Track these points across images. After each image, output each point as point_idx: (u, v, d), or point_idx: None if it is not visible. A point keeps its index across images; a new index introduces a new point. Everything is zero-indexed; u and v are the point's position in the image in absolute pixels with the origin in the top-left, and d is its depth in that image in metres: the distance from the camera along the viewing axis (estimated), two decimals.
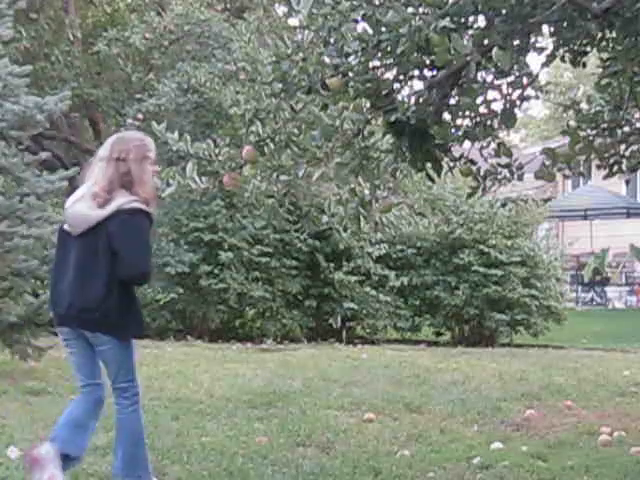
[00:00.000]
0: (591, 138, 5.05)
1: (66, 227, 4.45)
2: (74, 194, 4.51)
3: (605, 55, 4.88)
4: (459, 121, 4.25)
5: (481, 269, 12.57)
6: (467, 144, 4.42)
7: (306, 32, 4.17)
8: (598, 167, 5.38)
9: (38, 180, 7.99)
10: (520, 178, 4.62)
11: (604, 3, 3.97)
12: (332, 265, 12.45)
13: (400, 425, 6.35)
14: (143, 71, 16.00)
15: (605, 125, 5.07)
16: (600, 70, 5.03)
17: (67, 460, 4.31)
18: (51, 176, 8.14)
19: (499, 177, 4.59)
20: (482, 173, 4.59)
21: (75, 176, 7.98)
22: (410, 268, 12.95)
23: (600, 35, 4.55)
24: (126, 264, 4.25)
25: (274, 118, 4.59)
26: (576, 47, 4.57)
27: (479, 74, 3.99)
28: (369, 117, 4.38)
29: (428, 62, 3.96)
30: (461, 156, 4.49)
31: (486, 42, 3.87)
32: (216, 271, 11.89)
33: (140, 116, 13.58)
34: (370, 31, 3.98)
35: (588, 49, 4.66)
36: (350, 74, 4.08)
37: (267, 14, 16.75)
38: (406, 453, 5.51)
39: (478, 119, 4.24)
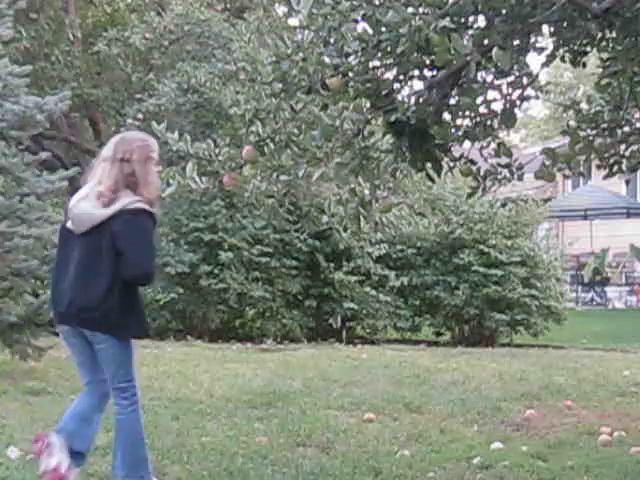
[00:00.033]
0: (591, 138, 5.05)
1: (69, 225, 4.45)
2: (78, 193, 4.51)
3: (605, 55, 4.88)
4: (459, 121, 4.26)
5: (481, 269, 12.56)
6: (467, 144, 4.42)
7: (306, 32, 4.17)
8: (598, 167, 5.38)
9: (38, 180, 7.99)
10: (520, 178, 4.62)
11: (604, 3, 3.98)
12: (332, 265, 12.44)
13: (400, 425, 6.35)
14: (143, 71, 15.99)
15: (605, 125, 5.07)
16: (600, 70, 5.03)
17: (72, 454, 4.32)
18: (51, 176, 8.13)
19: (499, 177, 4.60)
20: (482, 173, 4.60)
21: (75, 176, 8.00)
22: (410, 268, 12.94)
23: (600, 35, 4.55)
24: (130, 264, 4.25)
25: (274, 118, 4.59)
26: (576, 47, 4.57)
27: (479, 74, 3.99)
28: (369, 117, 4.38)
29: (428, 62, 3.97)
30: (461, 156, 4.49)
31: (486, 42, 3.87)
32: (216, 271, 11.88)
33: (140, 116, 13.60)
34: (370, 31, 3.98)
35: (588, 49, 4.66)
36: (350, 74, 4.08)
37: (267, 14, 16.73)
38: (406, 453, 5.51)
39: (478, 119, 4.24)
